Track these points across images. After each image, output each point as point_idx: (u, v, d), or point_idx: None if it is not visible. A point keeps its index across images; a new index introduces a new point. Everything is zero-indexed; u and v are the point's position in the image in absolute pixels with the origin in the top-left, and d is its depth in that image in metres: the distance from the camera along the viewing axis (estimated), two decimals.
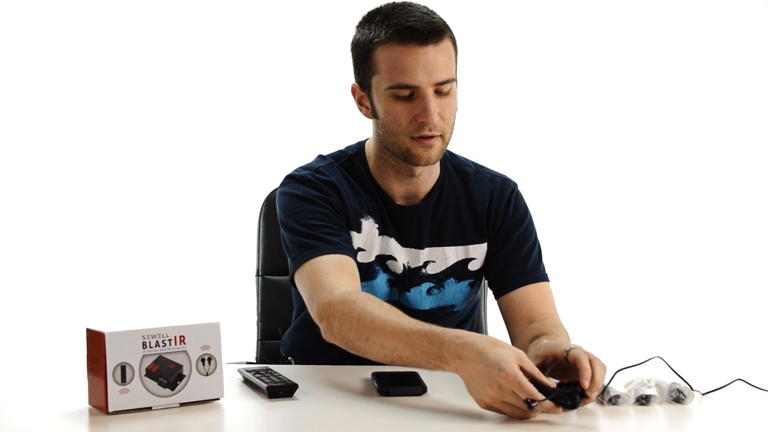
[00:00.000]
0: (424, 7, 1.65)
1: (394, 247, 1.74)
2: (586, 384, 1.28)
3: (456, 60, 1.66)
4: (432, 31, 1.59)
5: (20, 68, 3.46)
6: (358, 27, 1.68)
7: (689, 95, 3.68)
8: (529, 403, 1.24)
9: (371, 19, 1.64)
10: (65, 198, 3.49)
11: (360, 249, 1.73)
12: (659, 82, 3.68)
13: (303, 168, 1.76)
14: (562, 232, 3.45)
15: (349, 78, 1.72)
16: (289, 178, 1.74)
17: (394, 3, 1.65)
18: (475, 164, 1.84)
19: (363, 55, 1.65)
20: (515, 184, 1.84)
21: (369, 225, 1.73)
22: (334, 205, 1.70)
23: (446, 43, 1.62)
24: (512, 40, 3.62)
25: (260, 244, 2.08)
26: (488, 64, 3.54)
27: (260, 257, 2.08)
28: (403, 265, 1.75)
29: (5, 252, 3.46)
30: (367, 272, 1.73)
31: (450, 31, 1.64)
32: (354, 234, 1.72)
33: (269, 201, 2.08)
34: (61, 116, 3.49)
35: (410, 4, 1.64)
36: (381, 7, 1.65)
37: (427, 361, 1.38)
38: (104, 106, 3.51)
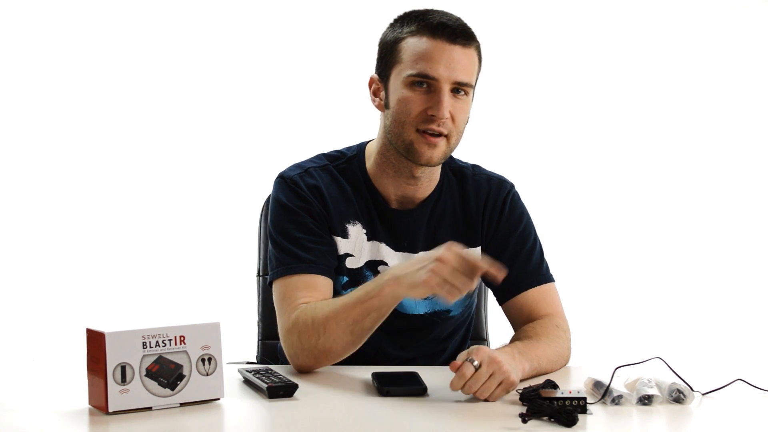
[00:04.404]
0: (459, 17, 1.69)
1: (385, 251, 1.74)
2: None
3: (478, 73, 1.69)
4: (462, 32, 1.64)
5: (20, 68, 3.45)
6: (390, 24, 1.70)
7: (689, 94, 3.67)
8: (524, 417, 1.26)
9: (405, 17, 1.68)
10: (65, 198, 3.48)
11: (348, 254, 1.73)
12: (658, 80, 3.66)
13: (295, 166, 1.78)
14: (561, 232, 3.44)
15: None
16: (280, 178, 1.76)
17: (431, 8, 1.69)
18: (473, 165, 1.84)
19: (390, 45, 1.67)
20: (512, 185, 1.83)
21: (356, 231, 1.73)
22: (315, 214, 1.71)
23: (472, 51, 1.66)
24: (510, 40, 3.62)
25: (261, 244, 2.07)
26: (485, 64, 3.54)
27: (261, 257, 2.07)
28: None
29: (5, 252, 3.46)
30: (356, 278, 1.73)
31: (479, 43, 1.68)
32: (340, 239, 1.72)
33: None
34: (61, 117, 3.48)
35: (446, 11, 1.68)
36: (417, 9, 1.69)
37: (372, 298, 1.52)
38: (105, 107, 3.50)
